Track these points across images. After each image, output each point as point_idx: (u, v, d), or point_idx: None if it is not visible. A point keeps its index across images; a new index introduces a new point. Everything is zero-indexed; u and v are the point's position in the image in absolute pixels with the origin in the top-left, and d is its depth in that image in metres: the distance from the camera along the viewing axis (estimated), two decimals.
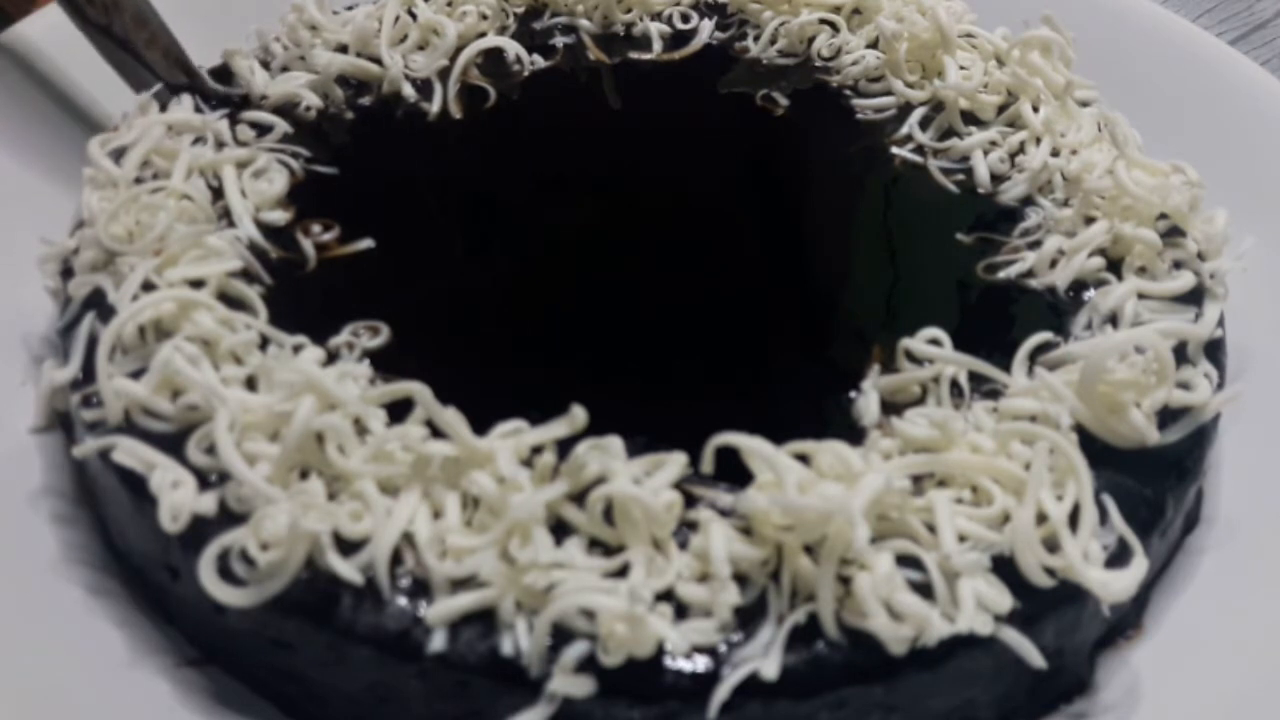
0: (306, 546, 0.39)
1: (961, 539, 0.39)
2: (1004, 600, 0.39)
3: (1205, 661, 0.43)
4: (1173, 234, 0.50)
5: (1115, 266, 0.49)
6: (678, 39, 0.61)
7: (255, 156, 0.51)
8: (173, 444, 0.42)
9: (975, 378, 0.45)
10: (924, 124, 0.56)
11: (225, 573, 0.39)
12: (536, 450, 0.40)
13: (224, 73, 0.55)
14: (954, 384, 0.45)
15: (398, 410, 0.42)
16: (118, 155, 0.50)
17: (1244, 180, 0.56)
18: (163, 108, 0.52)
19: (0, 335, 0.50)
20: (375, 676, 0.39)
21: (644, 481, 0.39)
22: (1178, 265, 0.49)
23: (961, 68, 0.56)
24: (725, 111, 0.59)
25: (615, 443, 0.40)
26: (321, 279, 0.49)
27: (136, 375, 0.43)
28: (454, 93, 0.57)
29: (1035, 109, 0.54)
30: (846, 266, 0.54)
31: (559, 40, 0.61)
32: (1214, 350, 0.47)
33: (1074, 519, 0.40)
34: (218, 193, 0.50)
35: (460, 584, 0.38)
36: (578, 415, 0.40)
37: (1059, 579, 0.39)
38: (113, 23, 0.55)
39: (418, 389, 0.41)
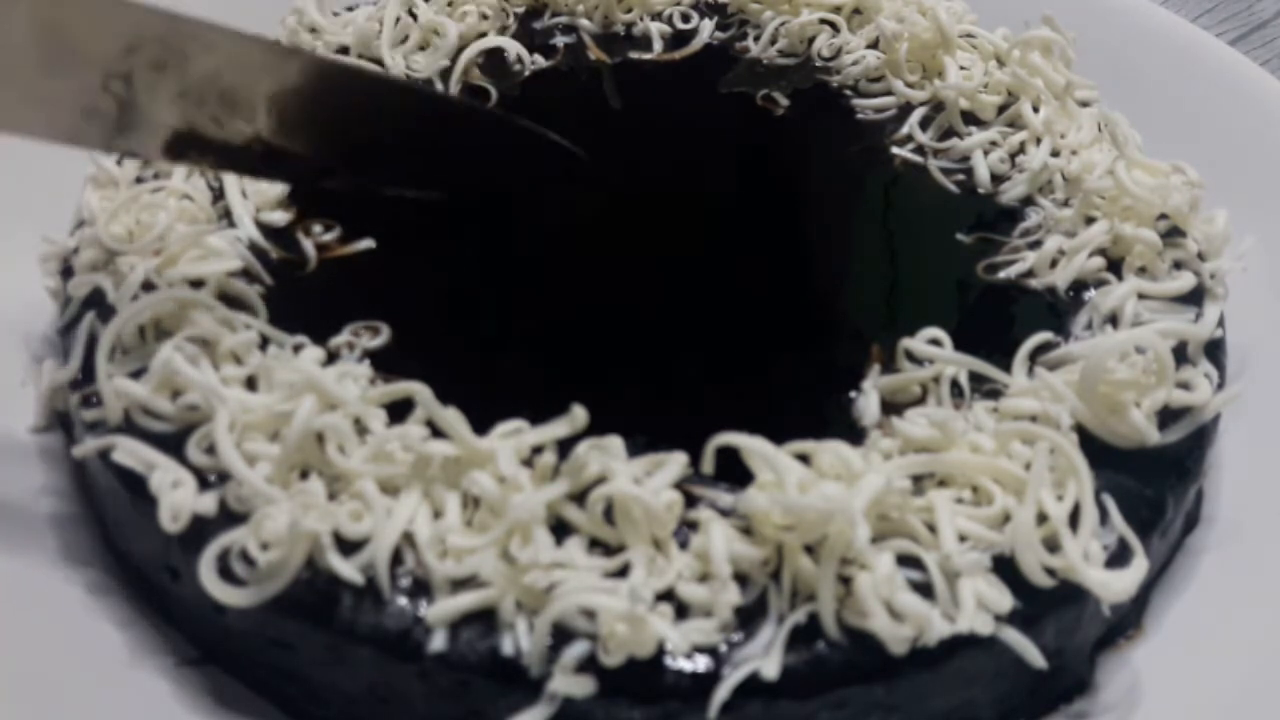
0: (306, 546, 0.39)
1: (962, 539, 0.39)
2: (1004, 600, 0.39)
3: (1205, 661, 0.43)
4: (1173, 234, 0.50)
5: (1115, 266, 0.49)
6: (678, 39, 0.61)
7: None
8: (173, 444, 0.42)
9: (975, 378, 0.45)
10: (924, 124, 0.56)
11: (225, 573, 0.39)
12: (537, 450, 0.40)
13: None
14: (954, 384, 0.45)
15: (398, 410, 0.42)
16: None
17: (1244, 180, 0.56)
18: None
19: (0, 335, 0.50)
20: (375, 676, 0.39)
21: (644, 481, 0.39)
22: (1178, 265, 0.49)
23: (962, 68, 0.56)
24: (725, 111, 0.59)
25: (615, 443, 0.40)
26: (321, 279, 0.49)
27: (136, 375, 0.43)
28: (455, 93, 0.57)
29: (1035, 109, 0.54)
30: (846, 266, 0.54)
31: (559, 40, 0.61)
32: (1214, 350, 0.47)
33: (1074, 519, 0.40)
34: (218, 193, 0.50)
35: (460, 584, 0.38)
36: (578, 415, 0.40)
37: (1059, 579, 0.39)
38: None
39: (418, 389, 0.41)
